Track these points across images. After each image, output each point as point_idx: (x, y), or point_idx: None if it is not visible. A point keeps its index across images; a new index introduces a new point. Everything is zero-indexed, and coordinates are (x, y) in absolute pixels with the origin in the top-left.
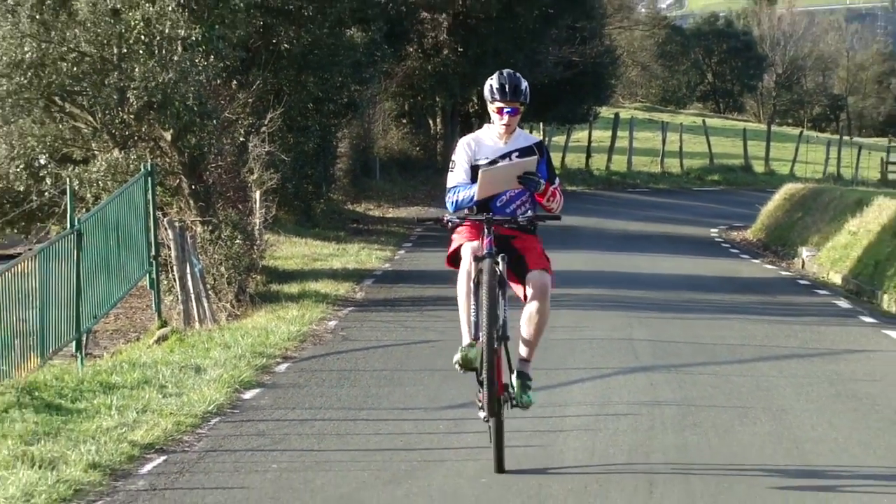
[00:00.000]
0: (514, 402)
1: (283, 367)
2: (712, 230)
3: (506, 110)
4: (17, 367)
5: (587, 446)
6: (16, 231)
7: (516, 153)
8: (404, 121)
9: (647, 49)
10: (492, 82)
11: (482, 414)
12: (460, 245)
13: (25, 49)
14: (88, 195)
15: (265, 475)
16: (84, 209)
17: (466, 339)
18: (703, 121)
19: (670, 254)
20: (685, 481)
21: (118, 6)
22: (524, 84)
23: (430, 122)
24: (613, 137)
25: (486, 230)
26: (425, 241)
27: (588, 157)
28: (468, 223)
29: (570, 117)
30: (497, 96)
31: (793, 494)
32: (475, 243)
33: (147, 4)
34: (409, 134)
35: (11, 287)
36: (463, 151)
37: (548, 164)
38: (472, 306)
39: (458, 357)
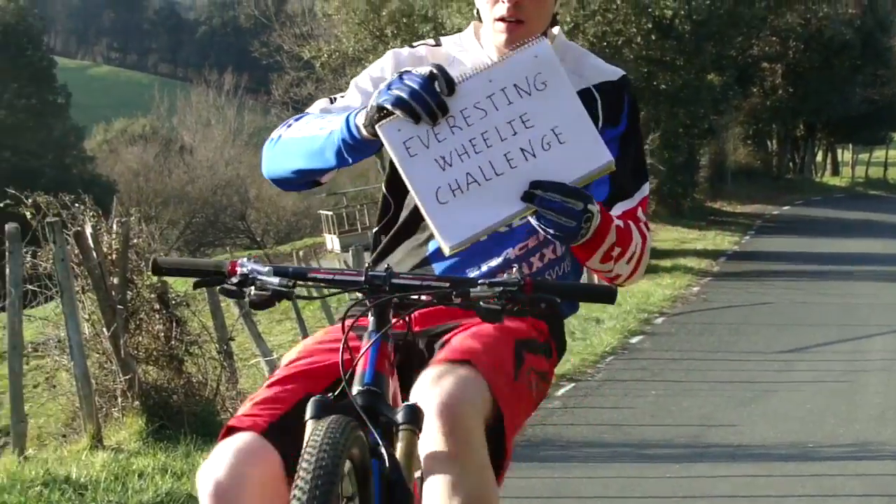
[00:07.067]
0: None
1: (659, 320)
2: None
3: None
4: None
5: (883, 381)
6: None
7: None
8: (749, 142)
9: None
10: None
11: None
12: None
13: None
14: None
15: (646, 399)
16: None
17: None
18: None
19: None
20: None
21: None
22: None
23: (768, 142)
24: None
25: (372, 322)
26: (765, 231)
27: (885, 169)
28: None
29: (871, 140)
30: None
31: None
32: (249, 439)
33: None
34: (753, 151)
35: None
36: (377, 70)
37: (624, 147)
38: None
39: None
